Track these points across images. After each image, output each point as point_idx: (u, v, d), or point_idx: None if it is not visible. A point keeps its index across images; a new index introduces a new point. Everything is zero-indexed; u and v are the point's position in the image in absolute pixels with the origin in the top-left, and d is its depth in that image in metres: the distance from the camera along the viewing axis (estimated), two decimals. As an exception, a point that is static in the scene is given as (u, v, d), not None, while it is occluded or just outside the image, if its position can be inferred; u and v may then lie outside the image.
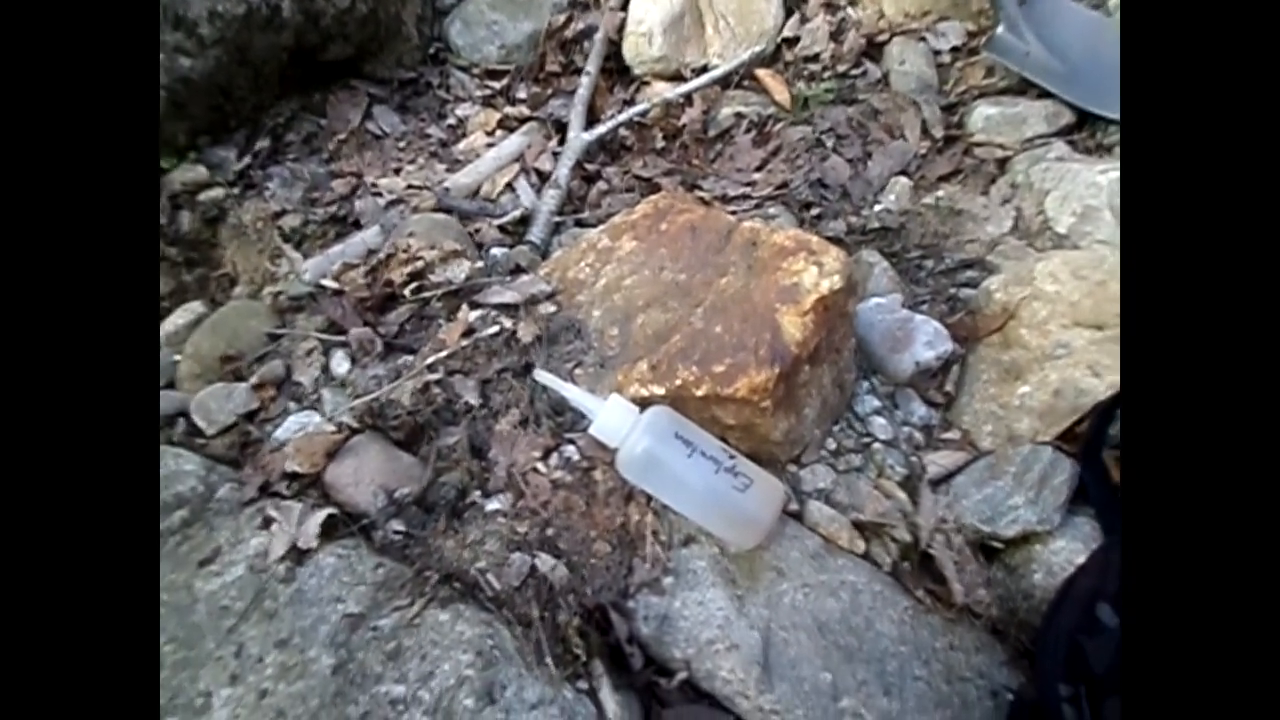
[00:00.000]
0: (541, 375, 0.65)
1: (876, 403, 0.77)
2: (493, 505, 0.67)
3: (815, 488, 0.71)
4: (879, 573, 0.68)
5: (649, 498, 0.66)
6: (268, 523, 0.65)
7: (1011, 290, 0.78)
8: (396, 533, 0.66)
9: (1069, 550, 0.66)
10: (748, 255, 0.69)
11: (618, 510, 0.65)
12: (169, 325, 0.92)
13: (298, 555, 0.63)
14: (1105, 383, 0.70)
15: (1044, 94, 1.08)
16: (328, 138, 1.13)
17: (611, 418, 0.62)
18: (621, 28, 1.20)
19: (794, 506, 0.70)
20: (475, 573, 0.63)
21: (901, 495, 0.71)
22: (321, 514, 0.64)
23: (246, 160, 1.07)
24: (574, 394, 0.64)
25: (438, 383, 0.72)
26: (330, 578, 0.62)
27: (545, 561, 0.62)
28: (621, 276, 0.74)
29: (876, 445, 0.75)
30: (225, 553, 0.64)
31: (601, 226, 0.81)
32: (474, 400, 0.71)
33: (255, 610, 0.61)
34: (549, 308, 0.77)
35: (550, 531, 0.65)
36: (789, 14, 1.21)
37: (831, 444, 0.75)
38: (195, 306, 0.94)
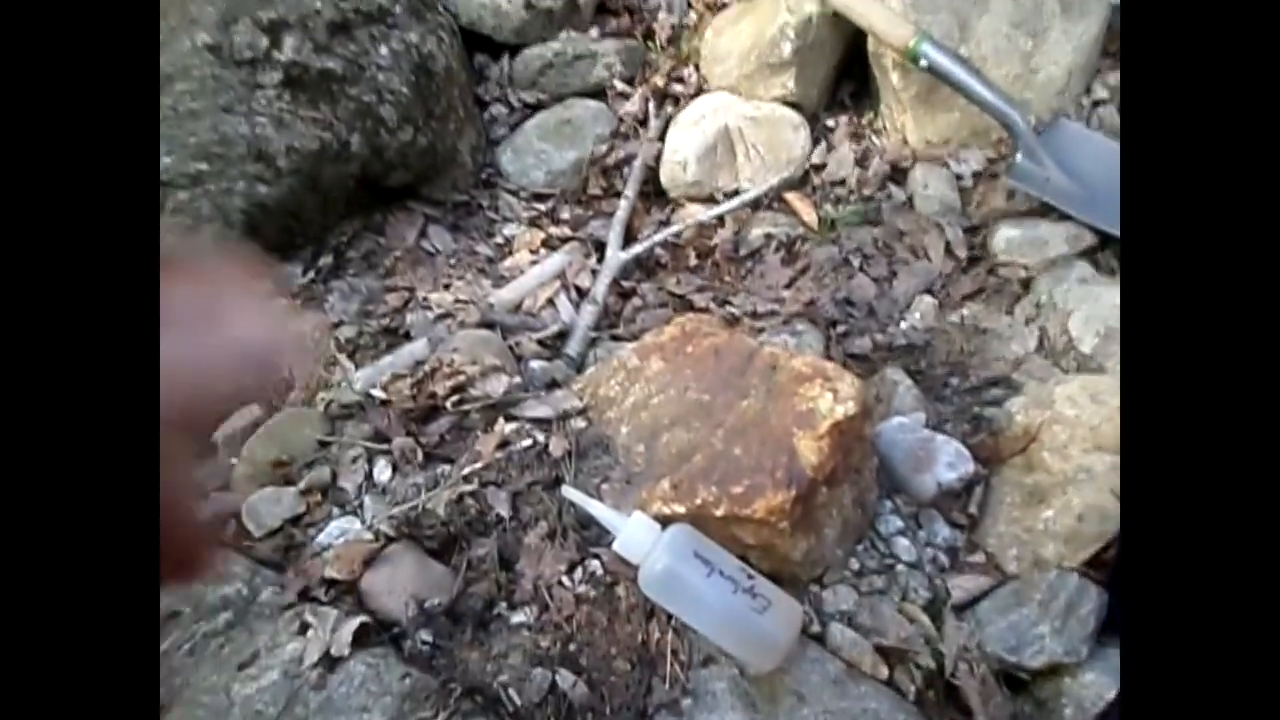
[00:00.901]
0: (569, 492, 0.69)
1: (900, 523, 0.78)
2: (518, 618, 0.69)
3: (838, 609, 0.72)
4: (903, 701, 0.67)
5: (670, 616, 0.67)
6: (304, 628, 0.68)
7: (1032, 413, 0.80)
8: (424, 643, 0.68)
9: (1099, 684, 0.65)
10: (768, 379, 0.72)
11: (639, 627, 0.67)
12: (227, 428, 0.98)
13: (330, 662, 0.65)
14: (1130, 510, 0.70)
15: (1065, 217, 1.11)
16: (385, 255, 1.22)
17: (634, 535, 0.64)
18: (659, 156, 1.29)
19: (816, 629, 0.70)
20: (498, 686, 0.64)
21: (925, 620, 0.71)
22: (355, 622, 0.66)
23: (310, 275, 1.16)
24: (599, 510, 0.67)
25: (472, 494, 0.76)
26: (359, 687, 0.64)
27: (565, 678, 0.64)
28: (649, 395, 0.78)
29: (900, 567, 0.75)
30: (263, 656, 0.67)
31: (631, 346, 0.85)
32: (505, 512, 0.75)
33: (287, 716, 0.63)
34: (580, 423, 0.80)
35: (572, 647, 0.67)
36: (816, 142, 1.29)
37: (855, 564, 0.75)
38: (253, 411, 1.01)
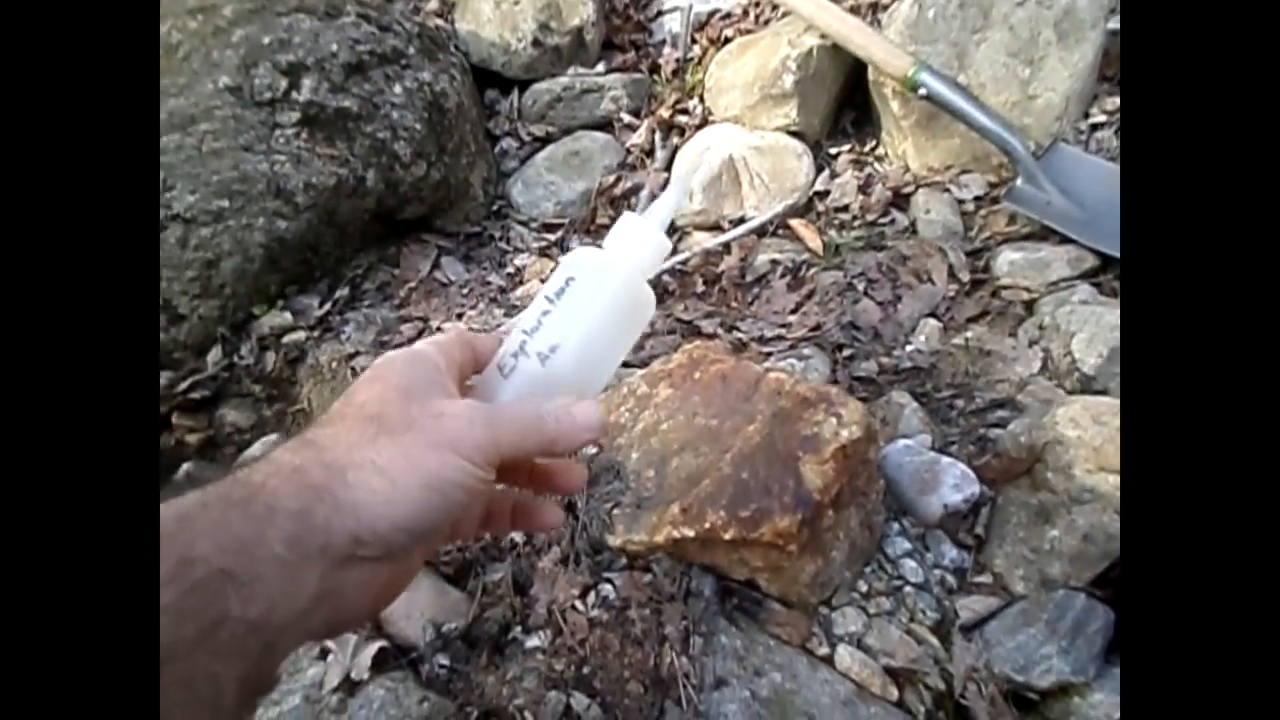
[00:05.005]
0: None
1: (907, 544, 0.79)
2: (533, 642, 0.71)
3: (847, 631, 0.73)
4: (912, 722, 0.68)
5: (684, 640, 0.69)
6: (324, 653, 0.70)
7: (1035, 434, 0.81)
8: (442, 666, 0.69)
9: (1107, 704, 0.66)
10: (773, 404, 0.74)
11: (651, 651, 0.68)
12: (247, 456, 1.01)
13: (350, 687, 0.67)
14: (1134, 529, 0.71)
15: (1066, 240, 1.13)
16: (399, 286, 1.25)
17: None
18: (664, 186, 1.32)
19: (825, 650, 0.71)
20: (513, 709, 0.65)
21: (934, 640, 0.72)
22: (374, 646, 0.68)
23: (327, 307, 1.19)
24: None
25: (486, 520, 0.78)
26: (378, 710, 0.66)
27: (580, 701, 0.65)
28: (658, 421, 0.80)
29: (908, 588, 0.76)
30: (284, 682, 0.68)
31: (640, 373, 0.87)
32: (519, 538, 0.76)
33: (307, 741, 0.64)
34: (590, 449, 0.82)
35: (586, 670, 0.68)
36: (819, 170, 1.32)
37: (863, 586, 0.76)
38: (272, 439, 1.03)
